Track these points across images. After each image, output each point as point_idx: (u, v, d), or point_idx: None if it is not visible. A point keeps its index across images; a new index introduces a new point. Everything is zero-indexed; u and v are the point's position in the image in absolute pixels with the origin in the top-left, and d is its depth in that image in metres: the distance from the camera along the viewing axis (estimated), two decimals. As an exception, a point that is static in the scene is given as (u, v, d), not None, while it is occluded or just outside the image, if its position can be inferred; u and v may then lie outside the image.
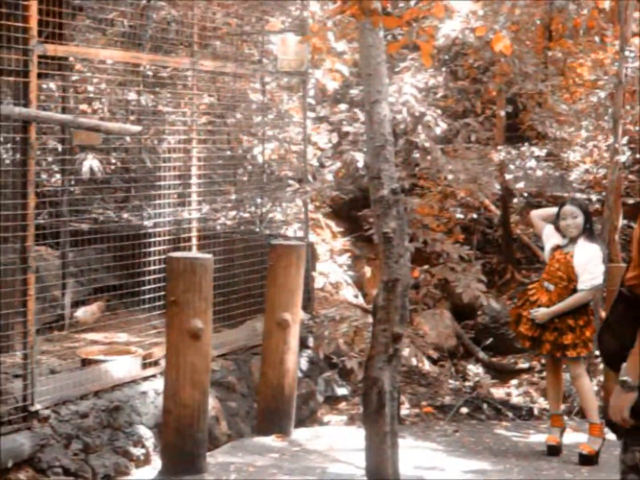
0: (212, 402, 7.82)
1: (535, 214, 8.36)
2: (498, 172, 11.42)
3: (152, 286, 8.50)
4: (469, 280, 9.34)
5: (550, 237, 7.96)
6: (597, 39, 12.98)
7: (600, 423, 7.68)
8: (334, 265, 11.87)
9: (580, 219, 7.75)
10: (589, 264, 7.69)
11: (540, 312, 7.77)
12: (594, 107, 13.12)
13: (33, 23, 6.80)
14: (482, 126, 11.09)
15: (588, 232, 7.78)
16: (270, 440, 8.04)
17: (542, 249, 8.58)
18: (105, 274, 9.45)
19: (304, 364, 9.65)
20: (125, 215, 11.28)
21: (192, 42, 9.38)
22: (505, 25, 9.45)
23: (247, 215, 11.08)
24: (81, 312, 9.29)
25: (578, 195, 12.71)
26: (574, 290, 7.73)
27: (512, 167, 12.11)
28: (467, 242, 11.82)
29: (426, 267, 9.99)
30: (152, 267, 8.60)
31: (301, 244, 8.74)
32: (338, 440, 8.38)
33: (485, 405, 10.51)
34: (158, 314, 8.38)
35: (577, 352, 7.75)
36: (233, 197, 10.98)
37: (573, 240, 7.78)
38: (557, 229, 7.88)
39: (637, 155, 13.03)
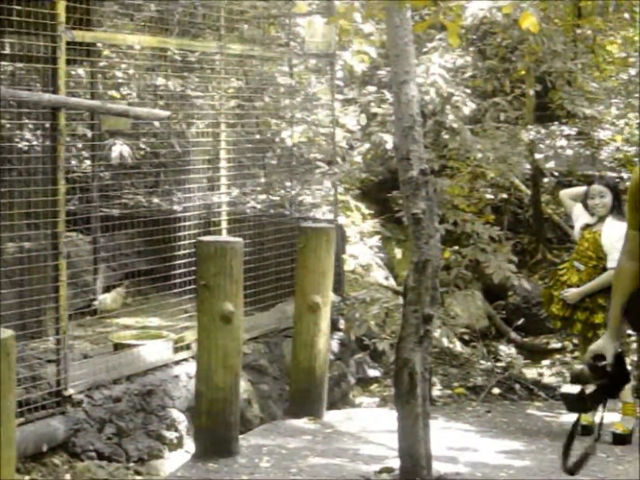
0: (244, 385, 7.86)
1: (565, 193, 8.31)
2: (528, 151, 11.34)
3: (183, 270, 8.52)
4: (499, 261, 9.30)
5: (580, 217, 7.92)
6: (626, 15, 12.85)
7: (634, 402, 7.65)
8: (364, 247, 11.87)
9: (608, 198, 7.70)
10: (618, 242, 7.63)
11: (571, 293, 7.74)
12: (624, 85, 13.01)
13: (61, 10, 6.82)
14: (511, 105, 11.02)
15: (616, 210, 7.72)
16: (303, 423, 8.06)
17: (573, 228, 8.53)
18: (136, 259, 9.48)
19: (335, 346, 9.66)
20: (155, 200, 11.31)
21: (219, 26, 9.38)
22: (533, 3, 9.36)
23: (276, 198, 11.08)
24: (99, 300, 9.30)
25: (609, 173, 12.61)
26: (604, 269, 7.68)
27: (542, 146, 12.03)
28: (497, 222, 11.76)
29: (456, 248, 9.96)
30: (183, 251, 8.63)
31: (331, 226, 8.74)
32: (370, 421, 8.39)
33: (517, 386, 10.49)
34: (189, 297, 8.41)
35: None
36: (262, 180, 10.98)
37: (602, 219, 7.74)
38: (587, 207, 7.84)
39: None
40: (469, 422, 8.56)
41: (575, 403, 4.30)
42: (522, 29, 8.29)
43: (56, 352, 6.90)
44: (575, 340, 10.46)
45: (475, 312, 12.10)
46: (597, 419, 7.92)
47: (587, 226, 7.83)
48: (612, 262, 7.65)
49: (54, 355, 6.96)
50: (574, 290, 7.74)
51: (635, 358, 9.78)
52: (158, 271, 8.73)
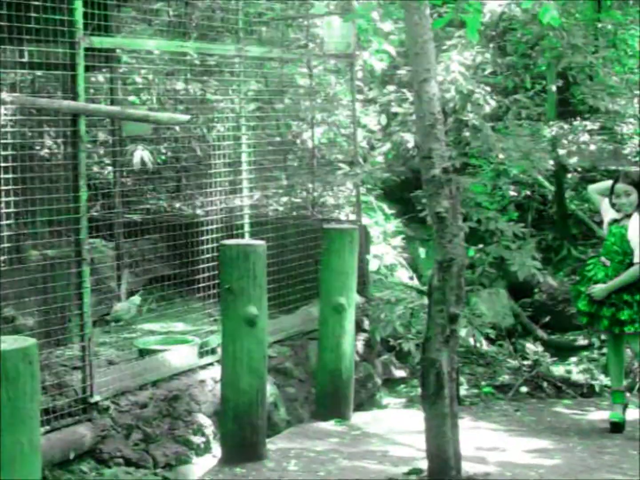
0: (270, 389, 7.83)
1: (593, 188, 8.22)
2: (551, 147, 11.26)
3: (207, 274, 8.51)
4: (524, 258, 9.23)
5: (608, 212, 7.84)
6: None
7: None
8: (388, 248, 11.81)
9: (634, 196, 7.61)
10: None
11: (597, 289, 7.67)
12: (646, 78, 12.91)
13: (79, 16, 6.81)
14: (532, 102, 10.95)
15: None
16: (330, 425, 8.03)
17: (599, 223, 8.46)
18: (159, 264, 9.48)
19: (361, 347, 9.62)
20: (177, 205, 11.31)
21: (237, 29, 9.36)
22: (552, -2, 9.28)
23: (298, 200, 11.05)
24: (114, 311, 9.24)
25: (633, 168, 12.52)
26: (630, 265, 7.61)
27: (564, 142, 11.95)
28: (521, 219, 11.69)
29: (481, 246, 9.90)
30: (206, 256, 8.61)
31: (354, 227, 8.71)
32: (398, 422, 8.35)
33: (545, 384, 10.41)
34: (213, 302, 8.39)
35: (635, 328, 7.64)
36: (284, 182, 10.95)
37: (629, 215, 7.66)
38: (613, 205, 7.76)
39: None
40: (497, 422, 8.50)
41: None
42: (541, 24, 8.24)
43: (81, 358, 6.89)
44: (603, 337, 10.37)
45: (500, 310, 12.03)
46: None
47: (614, 221, 7.76)
48: (637, 257, 7.58)
49: (79, 362, 6.95)
50: (600, 286, 7.67)
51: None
52: (181, 276, 8.72)
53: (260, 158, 9.92)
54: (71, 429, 6.63)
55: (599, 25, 12.92)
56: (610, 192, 7.75)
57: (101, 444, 6.77)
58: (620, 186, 7.66)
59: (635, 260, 7.59)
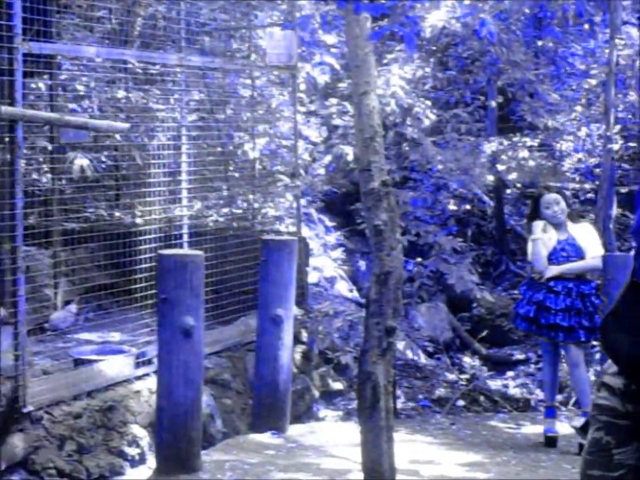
0: (206, 400, 7.78)
1: (536, 253, 8.12)
2: (490, 163, 11.36)
3: (144, 284, 8.45)
4: (461, 272, 9.29)
5: (547, 243, 7.82)
6: (586, 26, 12.93)
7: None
8: (327, 260, 11.83)
9: (563, 203, 7.81)
10: (590, 238, 7.75)
11: (552, 269, 7.67)
12: (585, 96, 13.09)
13: (17, 21, 6.75)
14: (472, 117, 11.04)
15: (570, 214, 7.82)
16: (266, 437, 7.99)
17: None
18: (97, 273, 9.39)
19: (299, 359, 9.60)
20: (116, 214, 11.22)
21: (179, 38, 9.33)
22: (491, 13, 9.38)
23: (239, 211, 11.02)
24: (50, 320, 9.13)
25: (571, 185, 12.69)
26: None
27: (504, 157, 12.05)
28: (461, 233, 11.77)
29: (419, 259, 9.95)
30: (144, 265, 8.55)
31: (293, 239, 8.70)
32: (334, 435, 8.34)
33: (481, 398, 10.47)
34: (151, 312, 8.33)
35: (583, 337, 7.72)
36: (225, 193, 10.92)
37: (560, 228, 7.76)
38: (539, 217, 7.82)
39: (630, 144, 12.97)
40: (433, 435, 8.52)
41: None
42: (481, 40, 8.32)
43: (15, 368, 6.79)
44: (539, 351, 10.46)
45: (439, 324, 12.09)
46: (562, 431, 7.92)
47: (557, 241, 7.79)
48: (592, 252, 7.69)
49: (12, 372, 6.85)
50: (554, 267, 7.68)
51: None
52: (119, 285, 8.65)
53: (201, 168, 9.87)
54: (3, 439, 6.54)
55: (540, 42, 13.07)
56: (537, 208, 7.84)
57: (34, 455, 6.68)
58: (550, 196, 7.83)
59: (590, 254, 7.67)
